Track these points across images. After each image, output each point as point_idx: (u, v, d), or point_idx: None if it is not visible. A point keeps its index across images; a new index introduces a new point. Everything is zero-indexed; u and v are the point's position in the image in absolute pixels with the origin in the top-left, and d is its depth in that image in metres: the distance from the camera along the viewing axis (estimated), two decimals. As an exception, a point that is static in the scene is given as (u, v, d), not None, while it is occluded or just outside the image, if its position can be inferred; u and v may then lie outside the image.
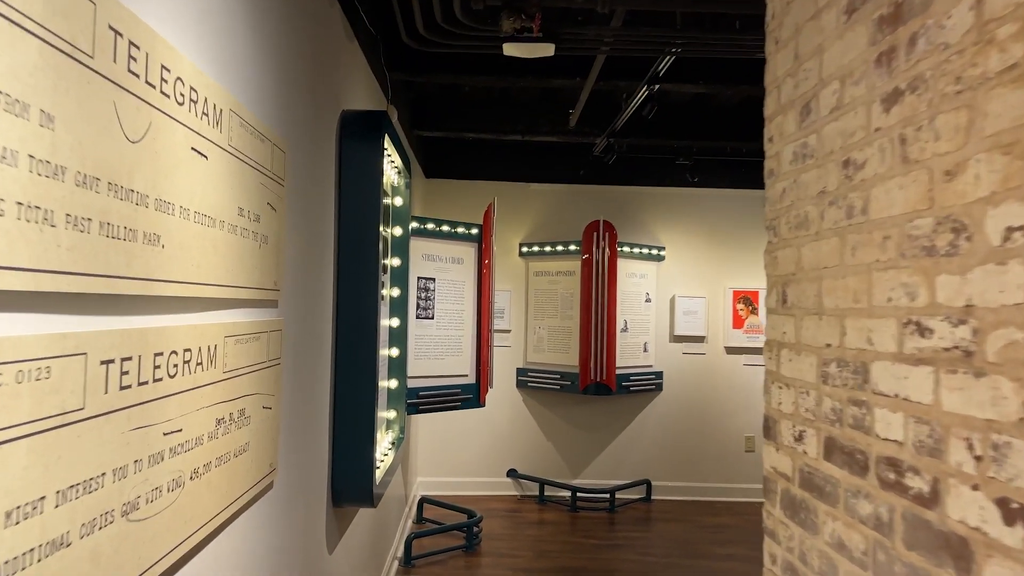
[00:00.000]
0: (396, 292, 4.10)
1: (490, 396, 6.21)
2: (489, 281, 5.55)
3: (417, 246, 5.17)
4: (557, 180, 7.22)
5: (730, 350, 7.26)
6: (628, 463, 7.18)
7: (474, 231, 5.56)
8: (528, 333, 7.15)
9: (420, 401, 5.18)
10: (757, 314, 7.22)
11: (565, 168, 7.22)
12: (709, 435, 7.23)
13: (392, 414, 4.12)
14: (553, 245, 6.98)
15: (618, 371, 6.73)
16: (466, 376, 5.54)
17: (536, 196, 7.24)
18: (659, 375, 7.16)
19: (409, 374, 4.94)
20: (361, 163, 3.04)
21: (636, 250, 6.97)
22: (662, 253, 7.21)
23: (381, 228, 3.15)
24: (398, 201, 4.13)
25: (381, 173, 3.06)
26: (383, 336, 3.73)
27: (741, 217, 7.30)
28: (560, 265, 6.97)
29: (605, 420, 7.19)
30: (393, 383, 4.10)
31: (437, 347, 5.33)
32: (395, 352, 4.11)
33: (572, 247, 6.85)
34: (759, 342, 7.21)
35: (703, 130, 6.16)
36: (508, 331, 7.16)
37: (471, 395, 5.54)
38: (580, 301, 6.73)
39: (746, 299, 7.25)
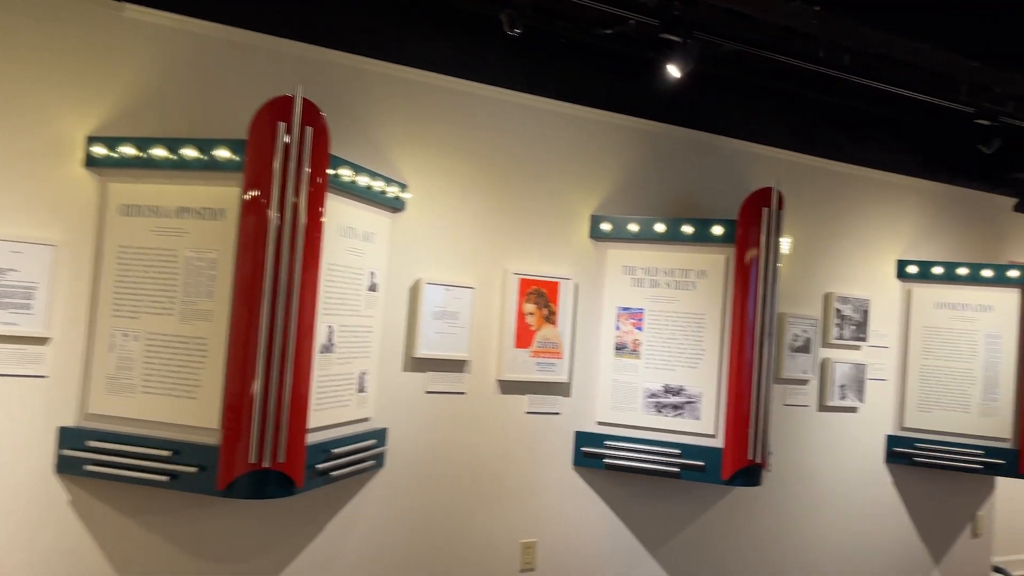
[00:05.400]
0: None
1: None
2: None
3: None
4: (195, 9, 3.26)
5: (507, 386, 3.99)
6: (308, 619, 3.49)
7: None
8: (96, 347, 3.07)
9: None
10: (555, 323, 4.06)
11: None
12: (462, 542, 3.87)
13: None
14: (173, 148, 3.02)
15: (311, 439, 3.03)
16: None
17: (136, 35, 3.19)
18: (380, 437, 3.60)
19: None
20: None
21: (360, 181, 3.32)
22: (403, 196, 3.66)
23: None
24: None
25: None
26: None
27: (543, 143, 4.08)
28: (187, 194, 3.03)
29: (265, 540, 3.40)
30: None
31: None
32: None
33: (221, 154, 2.97)
34: (556, 373, 4.05)
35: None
36: (42, 340, 3.00)
37: None
38: (234, 279, 2.89)
39: (539, 294, 4.04)
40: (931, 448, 5.00)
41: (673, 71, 3.61)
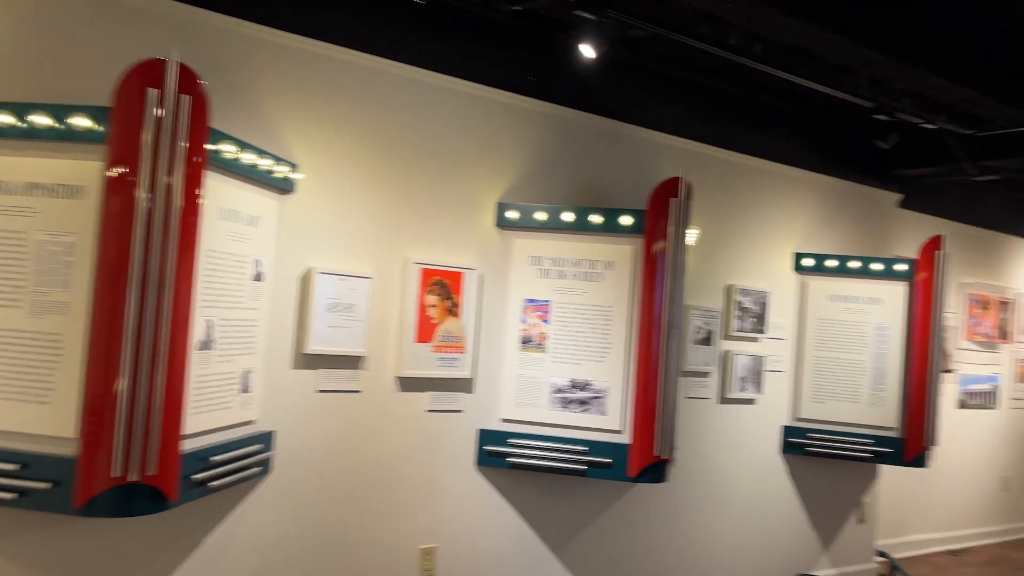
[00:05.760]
0: None
1: None
2: None
3: None
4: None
5: (407, 383, 3.74)
6: (184, 644, 3.15)
7: None
8: (-76, 344, 2.63)
9: None
10: (459, 316, 3.84)
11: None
12: (356, 551, 3.61)
13: None
14: (20, 114, 2.61)
15: (186, 447, 2.70)
16: None
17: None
18: (266, 442, 3.29)
19: None
20: None
21: (245, 159, 2.99)
22: (293, 177, 3.34)
23: None
24: None
25: None
26: None
27: (447, 124, 3.84)
28: (37, 168, 2.62)
29: (132, 560, 3.03)
30: None
31: None
32: None
33: (79, 123, 2.58)
34: (459, 369, 3.84)
35: None
36: None
37: None
38: (96, 266, 2.52)
39: (442, 285, 3.81)
40: (823, 438, 5.10)
41: (587, 51, 3.44)
